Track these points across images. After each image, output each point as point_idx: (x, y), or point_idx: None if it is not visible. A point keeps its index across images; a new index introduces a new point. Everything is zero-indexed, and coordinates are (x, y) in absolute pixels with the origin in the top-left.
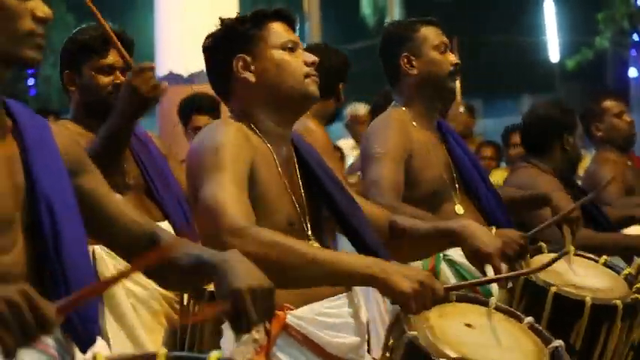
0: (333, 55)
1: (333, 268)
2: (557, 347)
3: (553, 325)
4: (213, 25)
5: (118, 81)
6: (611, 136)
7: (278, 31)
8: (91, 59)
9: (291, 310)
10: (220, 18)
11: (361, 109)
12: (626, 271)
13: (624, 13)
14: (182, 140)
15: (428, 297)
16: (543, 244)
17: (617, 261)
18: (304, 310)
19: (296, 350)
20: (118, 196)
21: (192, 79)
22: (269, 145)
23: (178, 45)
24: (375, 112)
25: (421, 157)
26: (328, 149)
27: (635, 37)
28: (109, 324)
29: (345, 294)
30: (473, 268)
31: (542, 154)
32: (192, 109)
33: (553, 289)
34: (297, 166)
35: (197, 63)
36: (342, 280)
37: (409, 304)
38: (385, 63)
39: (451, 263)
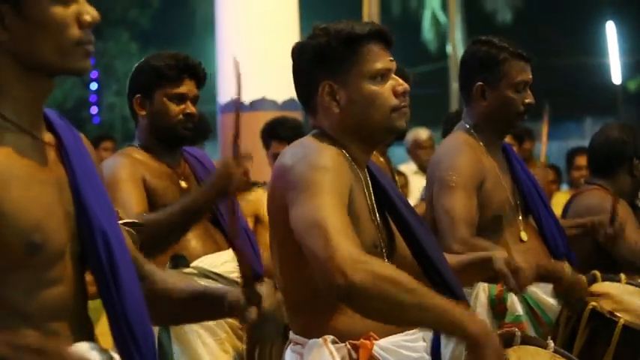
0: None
1: (442, 315)
2: None
3: (617, 357)
4: (273, 52)
5: (189, 110)
6: None
7: (372, 56)
8: (165, 86)
9: (377, 339)
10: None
11: (423, 133)
12: None
13: None
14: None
15: None
16: (597, 273)
17: None
18: (388, 341)
19: None
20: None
21: (253, 105)
22: (357, 169)
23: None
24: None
25: (492, 181)
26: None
27: None
28: (175, 353)
29: (419, 328)
30: (537, 293)
31: (608, 176)
32: (272, 135)
33: (622, 321)
34: (371, 189)
35: (258, 90)
36: (444, 329)
37: None
38: (461, 80)
39: None
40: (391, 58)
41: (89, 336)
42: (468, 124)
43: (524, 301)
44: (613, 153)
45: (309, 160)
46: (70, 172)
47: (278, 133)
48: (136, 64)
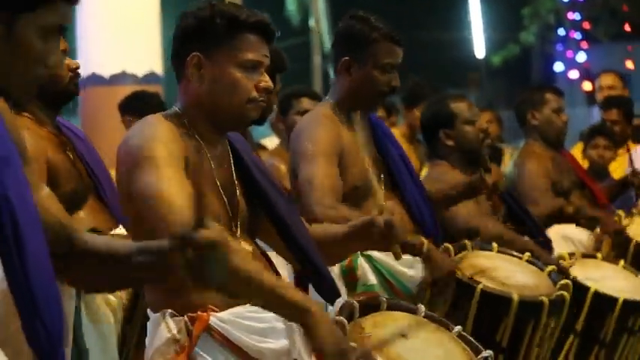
0: None
1: (272, 292)
2: (486, 358)
3: (479, 322)
4: (133, 25)
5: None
6: (544, 129)
7: (247, 45)
8: None
9: (215, 312)
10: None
11: None
12: (549, 268)
13: (549, 9)
14: (106, 141)
15: None
16: (468, 242)
17: None
18: (228, 312)
19: (218, 352)
20: (46, 189)
21: (113, 80)
22: (202, 142)
23: (99, 46)
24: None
25: (350, 154)
26: None
27: (560, 31)
28: (87, 335)
29: None
30: (390, 264)
31: (440, 151)
32: (129, 111)
33: (480, 286)
34: (232, 164)
35: (118, 64)
36: (277, 308)
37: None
38: (332, 52)
39: (369, 259)
40: (266, 54)
41: None
42: (333, 98)
43: (378, 271)
44: (425, 131)
45: (143, 134)
46: None
47: (135, 107)
48: None
